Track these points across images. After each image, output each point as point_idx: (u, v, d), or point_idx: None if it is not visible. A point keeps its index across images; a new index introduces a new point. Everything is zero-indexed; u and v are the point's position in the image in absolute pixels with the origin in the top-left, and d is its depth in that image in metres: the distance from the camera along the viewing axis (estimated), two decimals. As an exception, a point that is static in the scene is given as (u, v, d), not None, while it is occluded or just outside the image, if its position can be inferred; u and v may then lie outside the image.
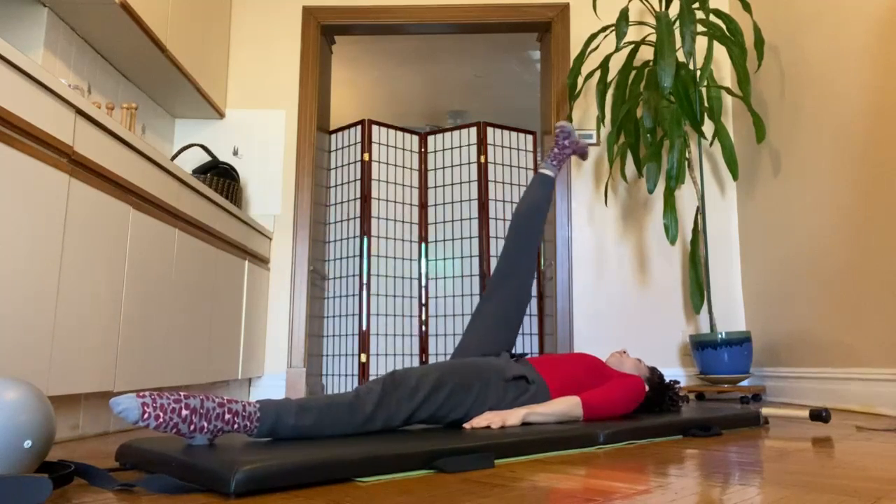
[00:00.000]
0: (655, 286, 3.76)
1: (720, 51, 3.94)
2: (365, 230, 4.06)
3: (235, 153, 3.89)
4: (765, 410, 2.07)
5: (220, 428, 1.25)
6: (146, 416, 1.16)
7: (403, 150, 4.30)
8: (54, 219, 1.78)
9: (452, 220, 4.24)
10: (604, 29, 3.52)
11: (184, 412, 1.20)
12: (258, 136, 3.92)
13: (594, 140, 3.88)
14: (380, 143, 4.20)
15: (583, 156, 2.45)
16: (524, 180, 4.31)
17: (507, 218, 4.21)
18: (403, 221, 4.23)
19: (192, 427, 1.22)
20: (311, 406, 1.40)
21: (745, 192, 3.74)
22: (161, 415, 1.18)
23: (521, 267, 2.11)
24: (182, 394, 1.23)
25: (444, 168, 4.31)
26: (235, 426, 1.28)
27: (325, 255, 4.24)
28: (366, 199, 4.08)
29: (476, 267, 4.12)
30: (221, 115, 3.88)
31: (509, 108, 6.54)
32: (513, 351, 2.11)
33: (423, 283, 4.26)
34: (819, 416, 1.93)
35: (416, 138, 4.38)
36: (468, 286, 4.13)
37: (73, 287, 1.87)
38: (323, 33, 4.10)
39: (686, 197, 3.84)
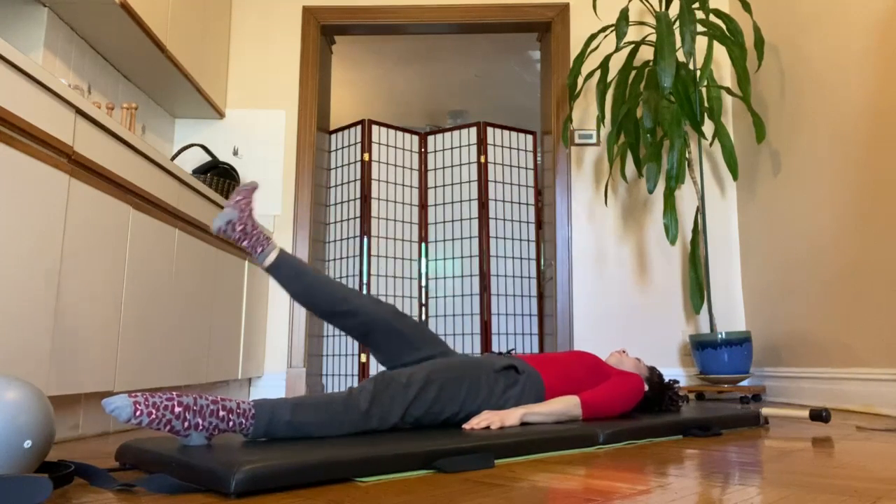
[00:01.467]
0: (655, 286, 3.76)
1: (720, 51, 3.94)
2: (365, 230, 4.06)
3: (235, 153, 3.89)
4: (765, 410, 2.07)
5: (215, 425, 1.25)
6: (138, 413, 1.17)
7: (403, 150, 4.30)
8: (54, 219, 1.78)
9: (452, 220, 4.24)
10: (604, 29, 3.52)
11: (177, 409, 1.21)
12: (258, 136, 3.92)
13: (594, 140, 3.88)
14: (380, 143, 4.20)
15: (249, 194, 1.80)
16: (524, 180, 4.31)
17: (507, 218, 4.22)
18: (403, 221, 4.23)
19: (186, 424, 1.22)
20: (306, 404, 1.40)
21: (745, 192, 3.74)
22: (153, 412, 1.18)
23: (368, 315, 1.80)
24: (175, 393, 1.23)
25: (444, 168, 4.31)
26: (231, 423, 1.28)
27: (325, 255, 4.24)
28: (366, 199, 4.08)
29: (476, 267, 4.12)
30: (221, 115, 3.88)
31: (509, 108, 6.54)
32: (505, 348, 2.10)
33: (423, 283, 4.26)
34: (819, 416, 1.92)
35: (416, 138, 4.38)
36: (468, 286, 4.13)
37: (73, 287, 1.87)
38: (323, 33, 4.10)
39: (686, 197, 3.84)
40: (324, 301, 1.77)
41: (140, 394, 1.20)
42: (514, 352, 2.11)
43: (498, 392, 1.75)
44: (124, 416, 1.16)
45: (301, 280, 1.77)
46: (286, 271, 1.77)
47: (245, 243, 1.78)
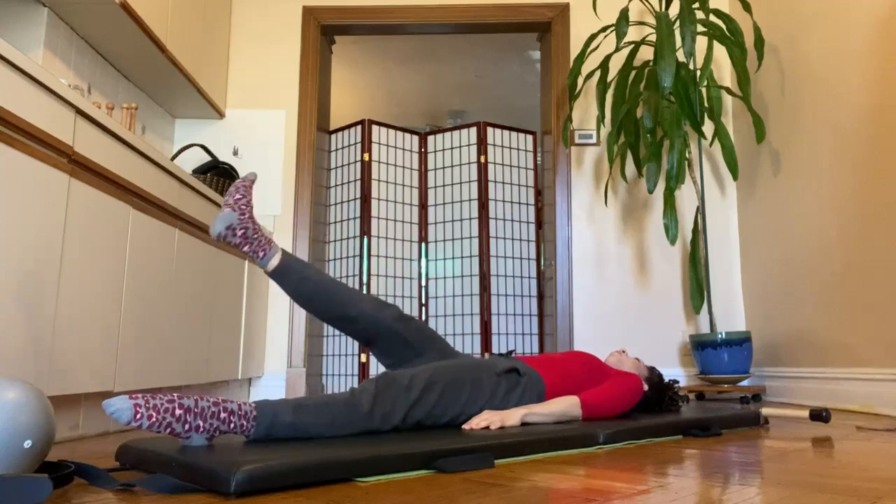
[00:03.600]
0: (655, 286, 3.76)
1: (720, 51, 3.94)
2: (365, 230, 4.06)
3: (235, 153, 3.89)
4: (765, 410, 2.07)
5: (216, 427, 1.25)
6: (138, 416, 1.16)
7: (403, 150, 4.30)
8: (54, 219, 1.78)
9: (452, 221, 4.24)
10: (604, 29, 3.52)
11: (177, 412, 1.20)
12: (258, 136, 3.92)
13: (594, 140, 3.88)
14: (380, 143, 4.20)
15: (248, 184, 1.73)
16: (524, 180, 4.31)
17: (507, 218, 4.22)
18: (403, 221, 4.23)
19: (186, 427, 1.21)
20: (307, 405, 1.40)
21: (745, 192, 3.74)
22: (154, 415, 1.17)
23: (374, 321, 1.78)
24: (176, 395, 1.22)
25: (444, 168, 4.31)
26: (232, 425, 1.27)
27: (325, 256, 4.24)
28: (366, 199, 4.08)
29: (476, 267, 4.12)
30: (221, 115, 3.88)
31: (509, 108, 6.54)
32: (505, 349, 2.10)
33: (423, 283, 4.26)
34: (819, 416, 1.92)
35: (416, 138, 4.38)
36: (468, 286, 4.13)
37: (73, 287, 1.87)
38: (323, 33, 4.10)
39: (686, 197, 3.84)
40: (325, 307, 1.74)
41: (141, 395, 1.19)
42: (514, 353, 2.10)
43: (500, 395, 1.75)
44: (125, 418, 1.15)
45: (304, 285, 1.73)
46: (289, 276, 1.72)
47: (246, 248, 1.67)
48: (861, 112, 2.69)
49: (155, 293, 2.36)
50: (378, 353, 1.81)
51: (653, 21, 3.97)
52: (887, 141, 2.53)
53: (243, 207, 1.67)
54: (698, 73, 3.45)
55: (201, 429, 1.23)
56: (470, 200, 4.20)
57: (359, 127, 4.19)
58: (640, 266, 3.79)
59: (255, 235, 1.68)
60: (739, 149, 3.80)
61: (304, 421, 1.38)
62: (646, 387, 2.05)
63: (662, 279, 3.77)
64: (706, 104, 3.55)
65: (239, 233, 1.66)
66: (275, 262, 1.71)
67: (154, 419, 1.17)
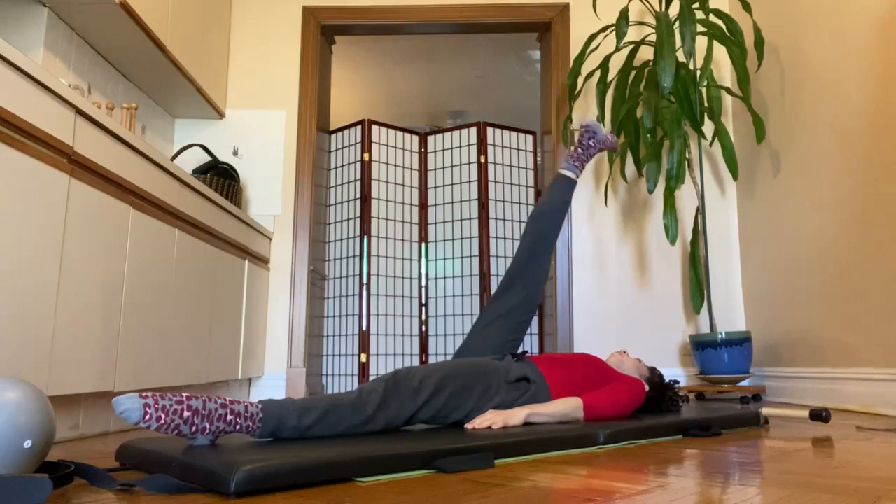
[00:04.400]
0: (655, 286, 3.76)
1: (720, 51, 3.94)
2: (365, 230, 4.06)
3: (235, 153, 3.89)
4: (765, 410, 2.07)
5: (222, 429, 1.25)
6: (147, 417, 1.16)
7: (403, 150, 4.30)
8: (54, 219, 1.78)
9: (452, 221, 4.24)
10: (604, 29, 3.52)
11: (185, 413, 1.20)
12: (258, 136, 3.92)
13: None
14: (380, 143, 4.20)
15: (613, 149, 2.32)
16: (524, 180, 4.31)
17: (507, 218, 4.22)
18: (403, 221, 4.23)
19: (193, 428, 1.21)
20: (313, 406, 1.39)
21: (745, 192, 3.74)
22: (163, 416, 1.17)
23: (534, 271, 2.04)
24: (185, 395, 1.22)
25: (444, 168, 4.31)
26: (238, 427, 1.27)
27: (325, 255, 4.24)
28: (366, 199, 4.08)
29: (476, 267, 4.12)
30: (221, 115, 3.88)
31: (509, 108, 6.54)
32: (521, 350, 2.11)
33: (423, 283, 4.26)
34: (819, 416, 1.92)
35: (416, 138, 4.38)
36: (468, 286, 4.13)
37: (73, 287, 1.87)
38: (323, 33, 4.10)
39: (686, 197, 3.84)
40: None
41: (150, 395, 1.18)
42: (527, 353, 2.09)
43: (508, 402, 1.75)
44: (134, 418, 1.15)
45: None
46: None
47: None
48: (861, 112, 2.69)
49: (155, 293, 2.36)
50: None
51: (653, 21, 3.97)
52: (887, 141, 2.53)
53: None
54: (698, 73, 3.45)
55: (207, 430, 1.23)
56: (470, 200, 4.20)
57: (359, 127, 4.19)
58: (640, 266, 3.79)
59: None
60: (739, 149, 3.80)
61: (309, 423, 1.37)
62: (647, 388, 2.05)
63: (662, 279, 3.77)
64: (706, 104, 3.55)
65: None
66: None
67: (163, 421, 1.17)
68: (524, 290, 2.04)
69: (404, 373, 1.58)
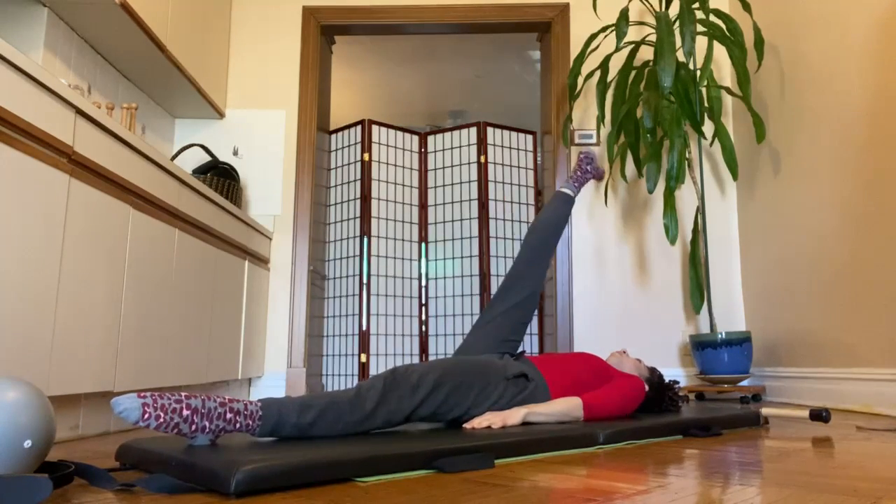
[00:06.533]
0: (655, 286, 3.76)
1: (720, 51, 3.94)
2: (365, 230, 4.06)
3: (235, 153, 3.89)
4: (765, 410, 2.07)
5: (221, 427, 1.25)
6: (147, 416, 1.16)
7: (403, 150, 4.30)
8: (54, 219, 1.78)
9: (452, 220, 4.24)
10: (604, 29, 3.52)
11: (185, 412, 1.20)
12: (258, 136, 3.92)
13: (594, 140, 3.88)
14: (380, 143, 4.20)
15: (599, 179, 2.58)
16: (524, 180, 4.31)
17: (507, 218, 4.22)
18: (403, 221, 4.23)
19: (193, 427, 1.21)
20: (312, 404, 1.39)
21: (745, 192, 3.74)
22: (162, 415, 1.17)
23: (532, 277, 2.12)
24: (183, 394, 1.22)
25: (444, 168, 4.31)
26: (237, 425, 1.27)
27: (325, 255, 4.24)
28: (366, 199, 4.08)
29: (476, 267, 4.12)
30: (221, 115, 3.88)
31: (509, 108, 6.54)
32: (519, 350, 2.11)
33: (423, 283, 4.26)
34: (819, 416, 1.92)
35: (416, 138, 4.38)
36: (468, 286, 4.13)
37: (73, 287, 1.87)
38: (323, 33, 4.10)
39: (686, 197, 3.84)
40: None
41: (149, 394, 1.19)
42: (525, 353, 2.11)
43: (506, 399, 1.76)
44: (133, 418, 1.15)
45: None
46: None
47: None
48: (861, 112, 2.69)
49: (155, 293, 2.36)
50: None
51: (653, 21, 3.97)
52: (887, 141, 2.53)
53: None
54: (698, 73, 3.45)
55: (207, 429, 1.23)
56: (470, 200, 4.20)
57: (359, 127, 4.19)
58: (640, 266, 3.79)
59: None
60: (739, 149, 3.80)
61: (309, 421, 1.38)
62: (646, 388, 2.05)
63: (662, 279, 3.77)
64: (706, 104, 3.55)
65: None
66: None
67: (162, 419, 1.17)
68: (523, 290, 2.10)
69: (402, 370, 1.58)
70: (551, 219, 2.25)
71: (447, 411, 1.64)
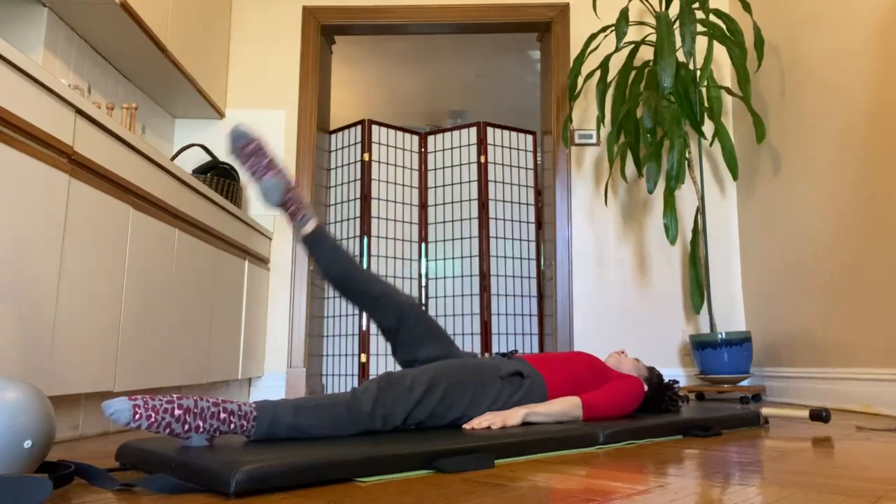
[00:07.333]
0: (655, 286, 3.76)
1: (720, 51, 3.94)
2: (365, 230, 4.06)
3: (235, 153, 3.89)
4: (765, 410, 2.07)
5: (216, 427, 1.25)
6: (137, 416, 1.16)
7: (403, 150, 4.30)
8: (54, 219, 1.78)
9: (452, 221, 4.24)
10: (604, 29, 3.52)
11: (177, 412, 1.20)
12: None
13: (594, 140, 3.88)
14: (380, 143, 4.20)
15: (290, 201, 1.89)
16: (524, 180, 4.31)
17: (507, 218, 4.22)
18: (403, 221, 4.23)
19: (186, 427, 1.21)
20: (308, 405, 1.39)
21: (745, 192, 3.74)
22: (153, 415, 1.17)
23: (391, 312, 1.83)
24: (175, 395, 1.22)
25: (444, 168, 4.31)
26: (232, 426, 1.27)
27: (325, 255, 4.23)
28: (366, 199, 4.08)
29: (476, 267, 4.12)
30: (221, 115, 3.88)
31: (509, 108, 6.54)
32: (507, 350, 2.11)
33: (423, 283, 4.26)
34: (819, 416, 1.92)
35: (416, 138, 4.38)
36: (468, 286, 4.13)
37: (73, 287, 1.87)
38: (323, 33, 4.10)
39: (686, 197, 3.84)
40: (360, 279, 1.82)
41: (140, 397, 1.19)
42: (517, 352, 2.10)
43: (503, 398, 1.75)
44: (123, 419, 1.15)
45: (335, 252, 1.82)
46: (325, 239, 1.81)
47: (293, 209, 1.80)
48: (861, 112, 2.69)
49: (155, 293, 2.36)
50: (399, 337, 1.84)
51: (653, 21, 3.97)
52: (887, 141, 2.53)
53: (282, 169, 1.78)
54: (698, 73, 3.45)
55: (201, 429, 1.23)
56: (470, 200, 4.20)
57: (359, 127, 4.19)
58: (640, 266, 3.79)
59: (299, 195, 1.80)
60: (739, 149, 3.80)
61: (305, 422, 1.38)
62: (646, 387, 2.05)
63: (662, 279, 3.77)
64: (706, 104, 3.55)
65: (293, 195, 1.78)
66: (313, 224, 1.81)
67: (153, 419, 1.17)
68: (411, 328, 1.85)
69: (396, 374, 1.58)
70: (348, 266, 1.87)
71: (443, 413, 1.64)
